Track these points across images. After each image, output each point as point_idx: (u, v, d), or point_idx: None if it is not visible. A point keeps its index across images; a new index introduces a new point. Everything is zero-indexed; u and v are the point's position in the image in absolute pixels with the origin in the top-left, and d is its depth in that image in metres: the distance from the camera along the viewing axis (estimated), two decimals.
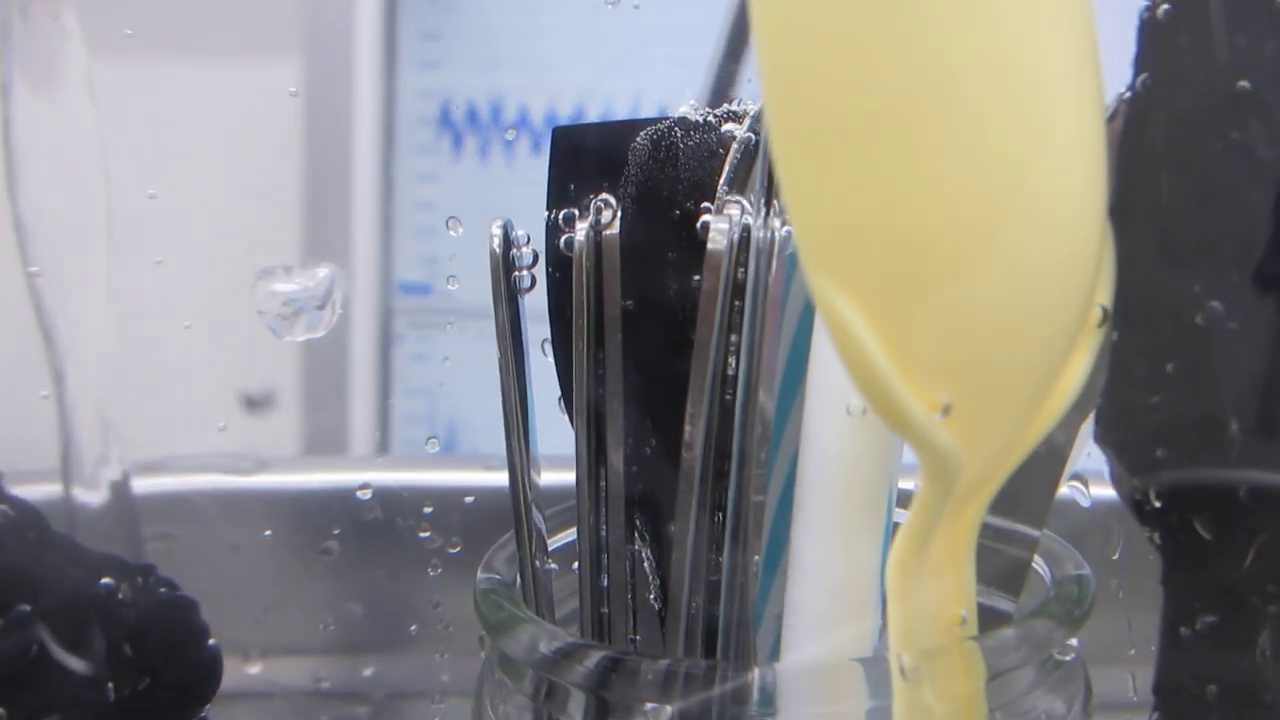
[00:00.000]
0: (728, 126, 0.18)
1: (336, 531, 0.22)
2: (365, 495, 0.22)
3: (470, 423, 0.52)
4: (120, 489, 0.22)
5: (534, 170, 0.50)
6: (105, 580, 0.15)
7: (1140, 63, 0.14)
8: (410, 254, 0.54)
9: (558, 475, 0.19)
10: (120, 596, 0.15)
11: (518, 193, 0.51)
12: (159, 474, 0.26)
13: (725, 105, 0.18)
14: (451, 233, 0.20)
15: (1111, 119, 0.15)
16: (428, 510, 0.21)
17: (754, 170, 0.17)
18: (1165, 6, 0.14)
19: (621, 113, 0.50)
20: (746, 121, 0.17)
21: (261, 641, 0.24)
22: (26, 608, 0.15)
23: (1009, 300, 0.13)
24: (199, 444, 0.24)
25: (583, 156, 0.17)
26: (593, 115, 0.50)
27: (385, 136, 0.52)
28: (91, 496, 0.22)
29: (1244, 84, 0.14)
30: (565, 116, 0.50)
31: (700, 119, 0.18)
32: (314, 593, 0.23)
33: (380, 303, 0.53)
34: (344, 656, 0.23)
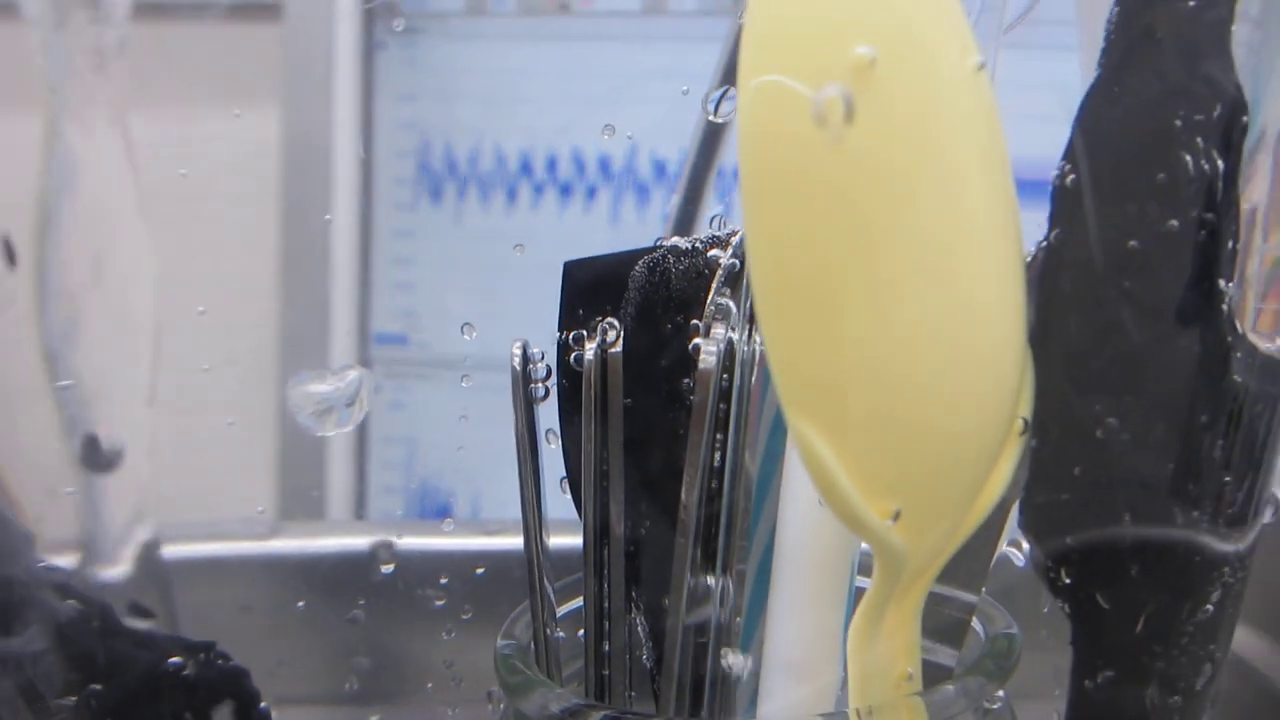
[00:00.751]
0: (713, 251, 0.21)
1: (362, 602, 0.24)
2: (388, 569, 0.24)
3: (442, 470, 0.53)
4: (151, 559, 0.24)
5: (509, 218, 0.53)
6: (173, 659, 0.18)
7: (1053, 219, 0.18)
8: (388, 307, 0.56)
9: (559, 539, 0.21)
10: (186, 673, 0.18)
11: (494, 246, 0.53)
12: (171, 542, 0.28)
13: (710, 232, 0.21)
14: (465, 337, 0.23)
15: (1030, 264, 0.18)
16: (444, 581, 0.23)
17: (737, 294, 0.20)
18: (1071, 176, 0.17)
19: (595, 155, 0.53)
20: (730, 249, 0.20)
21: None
22: (98, 687, 0.17)
23: (949, 425, 0.16)
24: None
25: (589, 284, 0.19)
26: (566, 159, 0.52)
27: (364, 192, 0.54)
28: (117, 571, 0.24)
29: (1133, 243, 0.17)
30: (542, 162, 0.52)
31: (689, 246, 0.21)
32: (332, 652, 0.25)
33: (358, 353, 0.54)
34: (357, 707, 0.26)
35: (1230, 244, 0.18)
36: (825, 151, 0.15)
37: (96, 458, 0.21)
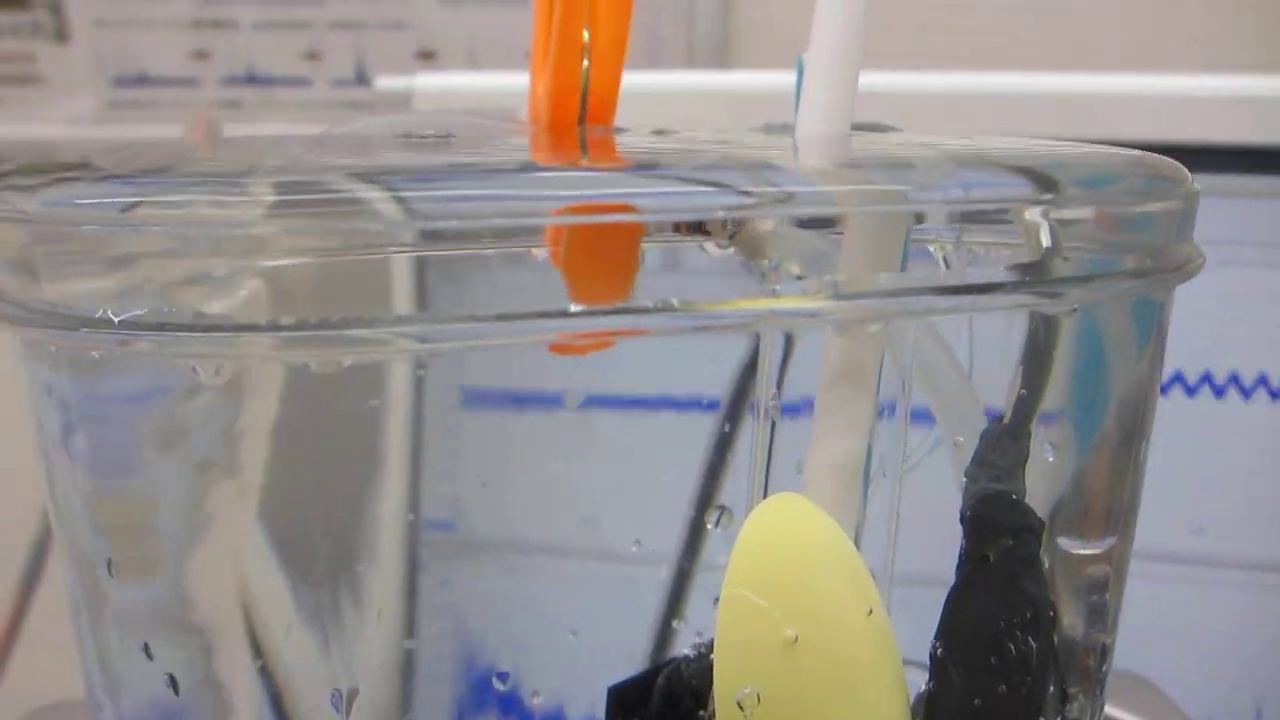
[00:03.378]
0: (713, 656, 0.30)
1: None
2: None
3: (486, 639, 0.62)
4: None
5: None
6: None
7: (930, 675, 0.27)
8: (437, 495, 0.65)
9: None
10: None
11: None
12: None
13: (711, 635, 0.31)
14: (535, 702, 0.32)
15: (915, 703, 0.27)
16: None
17: None
18: (940, 649, 0.27)
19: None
20: None
21: None
22: None
23: None
24: None
25: (626, 699, 0.29)
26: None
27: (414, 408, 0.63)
28: None
29: (976, 701, 0.26)
30: None
31: (695, 654, 0.30)
32: None
33: (407, 539, 0.63)
34: None
35: (1050, 688, 0.27)
36: (775, 656, 0.24)
37: None
